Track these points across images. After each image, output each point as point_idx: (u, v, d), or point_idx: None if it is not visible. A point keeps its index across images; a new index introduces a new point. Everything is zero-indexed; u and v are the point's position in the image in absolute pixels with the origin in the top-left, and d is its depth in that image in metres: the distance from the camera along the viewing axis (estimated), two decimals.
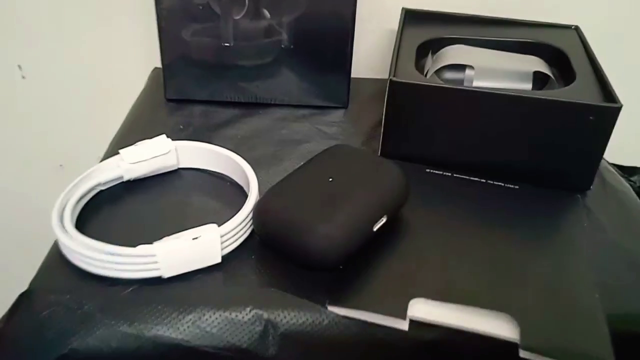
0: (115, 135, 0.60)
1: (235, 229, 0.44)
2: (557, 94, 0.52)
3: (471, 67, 0.58)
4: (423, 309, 0.41)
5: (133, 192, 0.51)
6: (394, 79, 0.52)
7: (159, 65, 0.64)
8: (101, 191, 0.50)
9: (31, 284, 0.43)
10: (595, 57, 0.57)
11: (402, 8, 0.66)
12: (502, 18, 0.65)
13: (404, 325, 0.40)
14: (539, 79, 0.58)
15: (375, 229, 0.44)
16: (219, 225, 0.43)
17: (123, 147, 0.51)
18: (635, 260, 0.47)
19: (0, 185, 0.85)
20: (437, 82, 0.55)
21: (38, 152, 0.83)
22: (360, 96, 0.67)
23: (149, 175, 0.52)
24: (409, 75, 0.53)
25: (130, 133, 0.59)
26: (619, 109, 0.49)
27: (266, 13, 0.60)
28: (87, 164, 0.51)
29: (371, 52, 0.72)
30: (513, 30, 0.64)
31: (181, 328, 0.40)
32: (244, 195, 0.48)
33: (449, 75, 0.60)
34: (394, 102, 0.53)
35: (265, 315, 0.41)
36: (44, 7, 0.72)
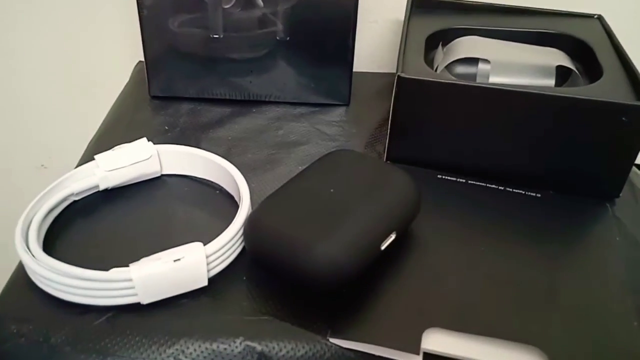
0: (93, 138, 0.55)
1: (223, 247, 0.39)
2: (584, 91, 0.47)
3: (486, 61, 0.53)
4: (438, 341, 0.36)
5: (110, 202, 0.46)
6: (403, 75, 0.46)
7: (143, 58, 0.59)
8: (75, 202, 0.45)
9: None
10: (624, 50, 0.52)
11: None
12: (518, 6, 0.60)
13: None
14: (560, 74, 0.53)
15: (382, 247, 0.39)
16: (205, 243, 0.39)
17: (100, 152, 0.46)
18: None
19: None
20: (450, 78, 0.49)
21: (17, 152, 0.79)
22: (363, 92, 0.62)
23: (128, 183, 0.47)
24: (418, 71, 0.48)
25: (110, 135, 0.54)
26: None
27: (259, 1, 0.55)
28: (71, 165, 0.47)
29: (375, 44, 0.68)
30: (531, 20, 0.59)
31: None
32: (235, 206, 0.43)
33: (461, 69, 0.55)
34: (402, 100, 0.48)
35: (258, 348, 0.36)
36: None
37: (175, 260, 0.37)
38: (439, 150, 0.50)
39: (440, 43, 0.56)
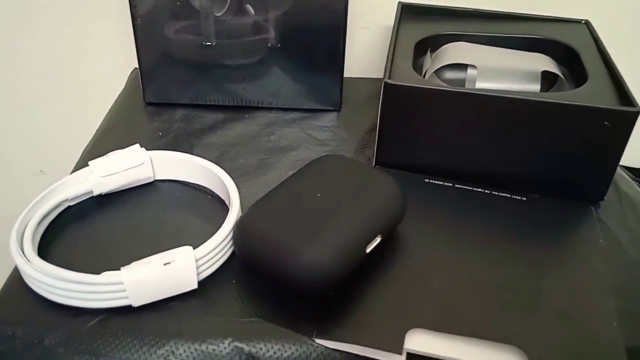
0: (89, 144, 0.56)
1: (213, 251, 0.40)
2: (569, 96, 0.48)
3: (473, 66, 0.54)
4: (421, 341, 0.37)
5: (104, 207, 0.47)
6: (389, 81, 0.47)
7: (137, 65, 0.60)
8: (69, 207, 0.46)
9: None
10: (609, 55, 0.53)
11: (398, 2, 0.62)
12: (506, 12, 0.61)
13: None
14: (546, 79, 0.54)
15: (368, 250, 0.40)
16: (195, 247, 0.39)
17: (94, 158, 0.47)
18: None
19: None
20: (437, 84, 0.50)
21: (17, 159, 0.80)
22: (354, 98, 0.63)
23: (121, 188, 0.48)
24: (406, 77, 0.49)
25: (105, 141, 0.55)
26: (637, 113, 0.45)
27: (250, 9, 0.56)
28: (69, 171, 0.48)
29: (366, 49, 0.69)
30: (518, 26, 0.59)
31: None
32: (226, 210, 0.44)
33: (450, 75, 0.56)
34: (389, 106, 0.49)
35: (246, 348, 0.37)
36: (17, 6, 0.69)
37: (165, 264, 0.38)
38: (426, 154, 0.51)
39: (429, 49, 0.57)
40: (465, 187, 0.50)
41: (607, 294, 0.40)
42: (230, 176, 0.47)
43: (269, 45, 0.58)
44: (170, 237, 0.43)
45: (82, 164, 0.51)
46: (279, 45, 0.58)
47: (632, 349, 0.37)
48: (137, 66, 0.62)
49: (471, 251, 0.44)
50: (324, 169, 0.44)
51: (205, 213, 0.47)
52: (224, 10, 0.56)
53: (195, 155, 0.49)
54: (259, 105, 0.62)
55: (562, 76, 0.52)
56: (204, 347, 0.37)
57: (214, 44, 0.58)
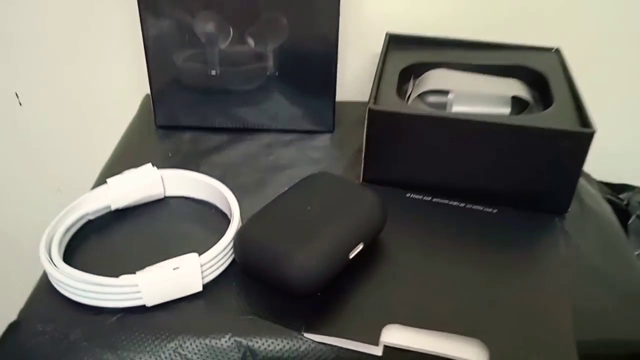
0: (106, 164, 0.61)
1: (216, 258, 0.46)
2: (533, 119, 0.54)
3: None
4: (396, 335, 0.42)
5: (120, 221, 0.53)
6: (372, 107, 0.53)
7: (149, 92, 0.65)
8: (90, 220, 0.52)
9: (20, 314, 0.44)
10: (574, 81, 0.58)
11: (386, 33, 0.67)
12: (484, 42, 0.66)
13: (377, 351, 0.41)
14: (519, 102, 0.59)
15: (351, 256, 0.45)
16: (200, 254, 0.45)
17: (112, 176, 0.53)
18: (613, 284, 0.48)
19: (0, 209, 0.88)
20: (415, 109, 0.56)
21: (36, 177, 0.86)
22: (346, 120, 0.68)
23: (136, 204, 0.53)
24: (389, 102, 0.55)
25: (121, 161, 0.61)
26: (592, 134, 0.50)
27: (251, 41, 0.62)
28: (85, 188, 0.53)
29: (357, 75, 0.74)
30: (495, 54, 0.65)
31: (163, 356, 0.42)
32: (227, 222, 0.50)
33: (433, 99, 0.61)
34: (373, 129, 0.54)
35: (245, 342, 0.43)
36: (40, 36, 0.75)
37: (174, 269, 0.44)
38: (407, 172, 0.56)
39: (412, 76, 0.62)
40: (442, 201, 0.55)
41: (563, 294, 0.46)
42: (233, 192, 0.52)
43: (267, 73, 0.64)
44: (179, 245, 0.48)
45: (100, 181, 0.56)
46: (277, 73, 0.64)
47: (587, 342, 0.42)
48: (148, 92, 0.68)
49: (445, 258, 0.49)
50: (314, 185, 0.50)
51: (209, 225, 0.52)
52: (227, 42, 0.62)
53: (202, 173, 0.55)
54: (260, 128, 0.67)
55: (530, 100, 0.58)
56: (207, 341, 0.42)
57: (219, 72, 0.63)
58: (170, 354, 0.42)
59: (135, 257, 0.48)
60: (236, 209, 0.50)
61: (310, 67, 0.63)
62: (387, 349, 0.42)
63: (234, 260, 0.48)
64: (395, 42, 0.66)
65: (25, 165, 0.85)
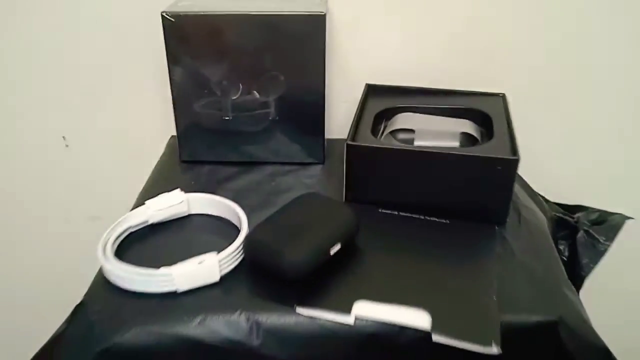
0: (141, 190, 0.75)
1: (229, 256, 0.60)
2: (476, 150, 0.68)
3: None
4: (365, 308, 0.55)
5: (156, 232, 0.66)
6: (349, 142, 0.68)
7: (175, 133, 0.80)
8: (132, 232, 0.66)
9: (84, 297, 0.58)
10: (511, 120, 0.72)
11: (366, 83, 0.82)
12: (444, 89, 0.79)
13: (350, 320, 0.55)
14: (470, 138, 0.74)
15: (332, 253, 0.59)
16: (218, 253, 0.59)
17: (148, 199, 0.67)
18: (534, 276, 0.60)
19: (51, 231, 1.02)
20: (384, 144, 0.70)
21: (79, 207, 0.99)
22: (335, 153, 0.80)
23: (167, 219, 0.67)
24: (364, 139, 0.69)
25: (154, 188, 0.73)
26: (517, 160, 0.64)
27: (256, 93, 0.75)
28: (119, 214, 0.65)
29: (344, 116, 0.84)
30: (453, 99, 0.78)
31: (191, 327, 0.54)
32: (238, 231, 0.64)
33: (402, 136, 0.75)
34: (351, 160, 0.68)
35: (252, 317, 0.54)
36: (83, 86, 0.88)
37: (199, 263, 0.57)
38: (380, 193, 0.69)
39: (384, 118, 0.77)
40: (407, 214, 0.68)
41: (492, 282, 0.59)
42: (242, 210, 0.66)
43: (270, 117, 0.76)
44: (201, 247, 0.58)
45: (138, 202, 0.70)
46: (277, 117, 0.76)
47: (504, 320, 0.55)
48: (173, 134, 0.82)
49: (406, 256, 0.62)
50: (304, 202, 0.64)
51: (224, 234, 0.65)
52: (238, 94, 0.75)
53: (218, 196, 0.69)
54: (264, 161, 0.79)
55: (476, 136, 0.72)
56: (224, 316, 0.55)
57: (231, 117, 0.77)
58: (196, 326, 0.54)
59: (168, 256, 0.58)
60: (245, 222, 0.64)
61: (303, 112, 0.76)
62: (358, 320, 0.55)
63: (243, 258, 0.61)
64: (372, 91, 0.81)
65: (70, 196, 0.97)
